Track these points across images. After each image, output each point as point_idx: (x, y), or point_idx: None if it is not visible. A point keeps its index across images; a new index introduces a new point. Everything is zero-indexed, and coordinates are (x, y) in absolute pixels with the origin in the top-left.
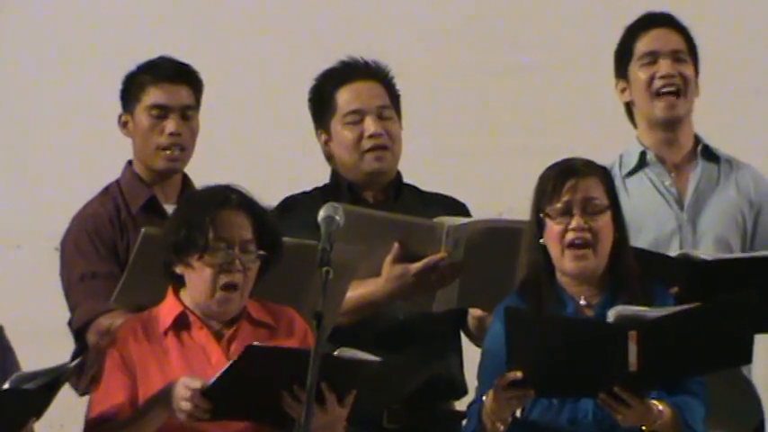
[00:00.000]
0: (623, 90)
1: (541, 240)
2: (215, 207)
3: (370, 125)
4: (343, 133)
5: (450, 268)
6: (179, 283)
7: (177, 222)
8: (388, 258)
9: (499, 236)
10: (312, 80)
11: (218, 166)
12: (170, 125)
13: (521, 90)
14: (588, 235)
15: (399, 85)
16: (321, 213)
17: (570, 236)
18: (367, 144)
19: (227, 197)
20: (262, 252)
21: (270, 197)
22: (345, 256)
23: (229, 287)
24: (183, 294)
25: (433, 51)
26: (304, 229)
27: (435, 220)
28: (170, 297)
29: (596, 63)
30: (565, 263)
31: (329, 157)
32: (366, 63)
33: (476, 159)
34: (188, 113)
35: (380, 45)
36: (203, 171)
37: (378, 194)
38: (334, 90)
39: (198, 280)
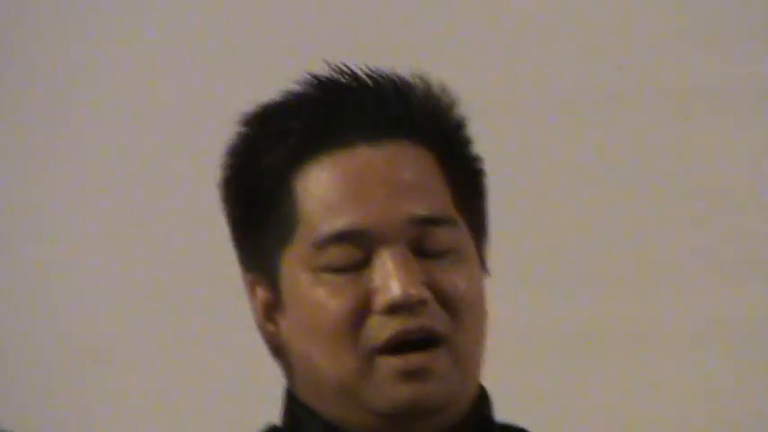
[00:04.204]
0: None
1: None
2: None
3: (391, 278)
4: (313, 293)
5: None
6: None
7: None
8: None
9: None
10: (231, 137)
11: None
12: None
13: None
14: None
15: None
16: None
17: None
18: (383, 332)
19: None
20: None
21: None
22: None
23: None
24: None
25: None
26: None
27: None
28: None
29: None
30: None
31: (275, 348)
32: (380, 88)
33: None
34: None
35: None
36: None
37: None
38: (292, 169)
39: None
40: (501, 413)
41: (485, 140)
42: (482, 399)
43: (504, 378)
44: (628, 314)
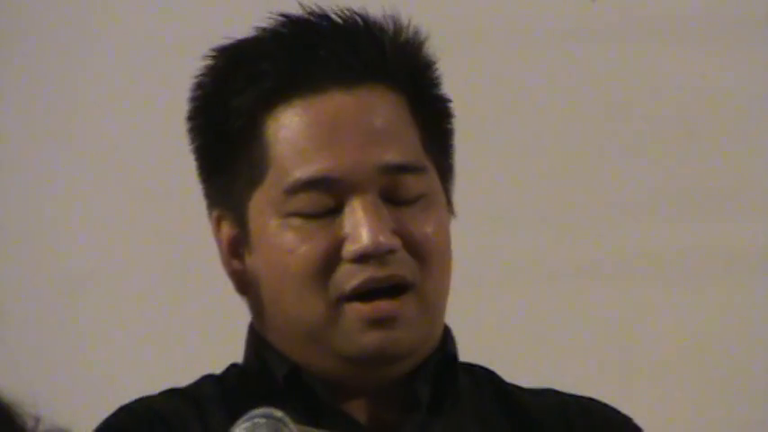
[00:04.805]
0: None
1: None
2: None
3: (361, 226)
4: (282, 237)
5: None
6: None
7: None
8: None
9: None
10: (194, 77)
11: None
12: None
13: None
14: None
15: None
16: None
17: None
18: (351, 280)
19: None
20: None
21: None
22: None
23: None
24: None
25: None
26: None
27: None
28: None
29: None
30: None
31: (241, 285)
32: (352, 31)
33: None
34: None
35: None
36: None
37: (378, 404)
38: (263, 111)
39: None
40: (472, 348)
41: (456, 76)
42: (446, 339)
43: (470, 313)
44: (590, 248)
